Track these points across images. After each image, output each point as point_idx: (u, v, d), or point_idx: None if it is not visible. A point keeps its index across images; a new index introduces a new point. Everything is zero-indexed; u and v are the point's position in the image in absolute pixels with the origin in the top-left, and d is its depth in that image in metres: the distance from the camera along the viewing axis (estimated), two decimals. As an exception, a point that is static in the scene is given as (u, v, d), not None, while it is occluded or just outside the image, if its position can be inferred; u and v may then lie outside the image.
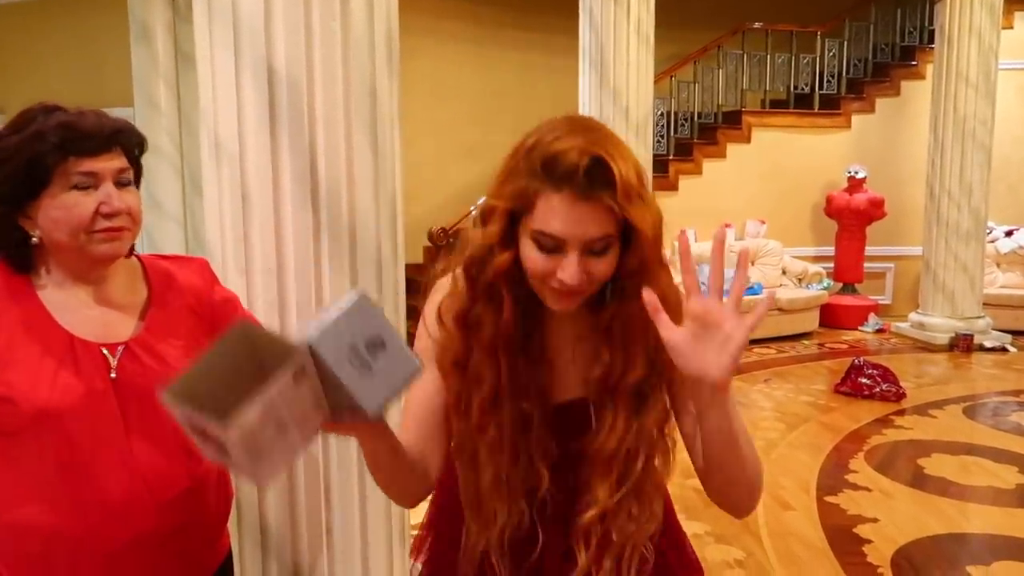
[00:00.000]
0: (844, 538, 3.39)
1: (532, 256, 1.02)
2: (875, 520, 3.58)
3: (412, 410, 1.14)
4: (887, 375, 5.73)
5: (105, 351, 1.19)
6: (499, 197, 1.04)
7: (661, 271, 1.08)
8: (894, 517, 3.62)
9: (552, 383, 1.16)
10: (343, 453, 1.99)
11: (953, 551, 3.32)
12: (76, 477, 1.15)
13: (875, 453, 4.52)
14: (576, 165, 0.96)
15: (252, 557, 2.04)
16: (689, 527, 3.48)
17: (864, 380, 5.70)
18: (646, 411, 1.10)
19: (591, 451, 1.12)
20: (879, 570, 3.11)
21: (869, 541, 3.37)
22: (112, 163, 1.20)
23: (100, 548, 1.16)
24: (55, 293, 1.21)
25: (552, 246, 1.01)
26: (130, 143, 1.24)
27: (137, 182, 1.28)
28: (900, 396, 5.60)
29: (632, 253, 1.03)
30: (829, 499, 3.82)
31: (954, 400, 5.69)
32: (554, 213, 0.98)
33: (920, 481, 4.11)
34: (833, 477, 4.12)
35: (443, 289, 1.16)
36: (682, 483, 4.16)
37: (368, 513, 2.07)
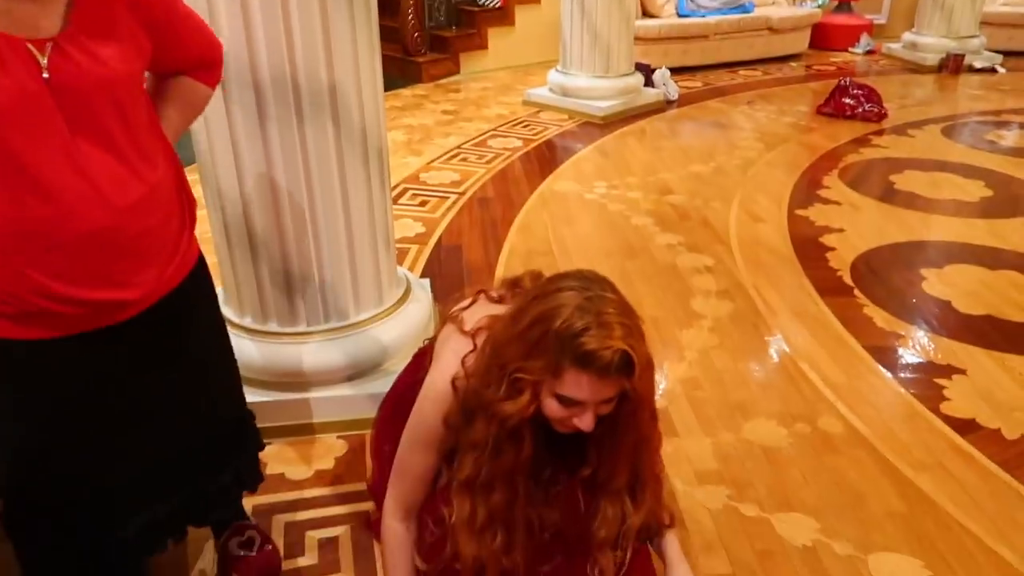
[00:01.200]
0: (809, 246, 3.56)
1: (554, 408, 1.27)
2: (841, 230, 3.74)
3: (420, 476, 1.47)
4: (871, 95, 5.66)
5: (32, 48, 1.10)
6: (529, 371, 1.24)
7: (645, 412, 1.35)
8: (859, 228, 3.78)
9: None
10: (322, 154, 1.99)
11: (910, 256, 3.51)
12: (21, 179, 1.12)
13: (849, 170, 4.60)
14: (609, 362, 1.19)
15: (243, 261, 2.13)
16: (664, 238, 3.64)
17: (847, 100, 5.65)
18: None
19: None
20: (838, 273, 3.31)
21: (833, 248, 3.54)
22: None
23: (55, 240, 1.16)
24: None
25: (570, 404, 1.25)
26: None
27: None
28: (882, 116, 5.59)
29: (627, 400, 1.29)
30: (799, 212, 3.96)
31: (934, 120, 5.69)
32: (580, 388, 1.22)
33: (889, 195, 4.23)
34: (805, 193, 4.23)
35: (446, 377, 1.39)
36: (659, 199, 4.28)
37: (352, 219, 2.13)
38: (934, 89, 6.71)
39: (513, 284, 1.47)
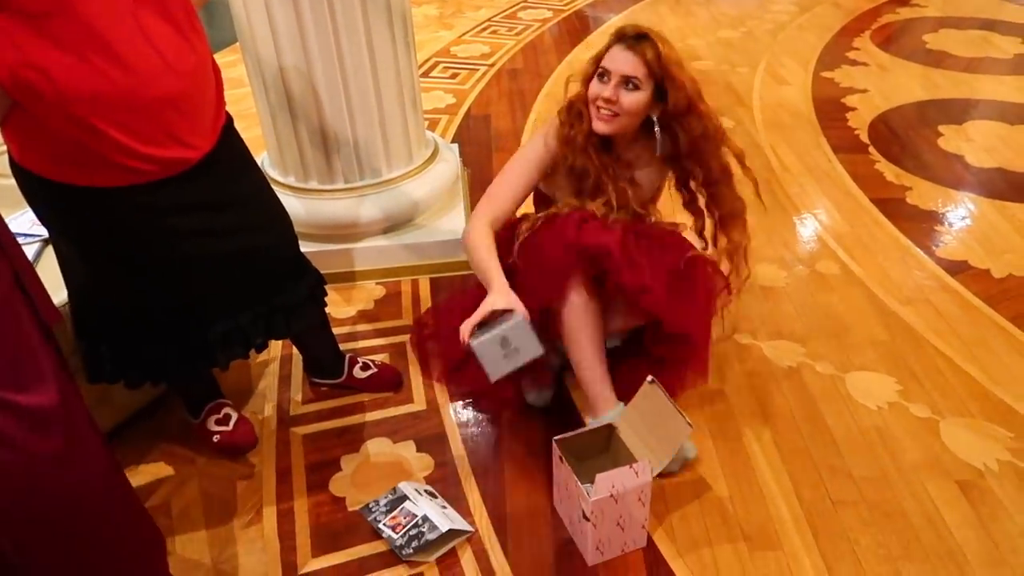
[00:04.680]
0: (830, 107, 3.62)
1: (594, 87, 1.66)
2: (864, 91, 3.78)
3: (513, 187, 1.79)
4: (915, -48, 5.47)
5: None
6: (589, 63, 1.70)
7: (694, 117, 1.69)
8: (883, 88, 3.81)
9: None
10: (349, 19, 2.15)
11: (931, 114, 3.55)
12: (105, 54, 1.30)
13: (883, 31, 4.55)
14: (631, 30, 1.63)
15: (284, 126, 2.34)
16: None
17: (890, -42, 5.47)
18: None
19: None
20: (856, 132, 3.39)
21: (854, 109, 3.60)
22: None
23: (133, 105, 1.35)
24: None
25: (604, 77, 1.65)
26: None
27: None
28: (925, -26, 5.42)
29: (670, 99, 1.65)
30: (825, 74, 3.98)
31: (982, -24, 5.50)
32: (610, 56, 1.64)
33: (919, 55, 4.21)
34: (834, 55, 4.23)
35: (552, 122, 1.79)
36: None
37: (380, 81, 2.31)
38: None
39: None
